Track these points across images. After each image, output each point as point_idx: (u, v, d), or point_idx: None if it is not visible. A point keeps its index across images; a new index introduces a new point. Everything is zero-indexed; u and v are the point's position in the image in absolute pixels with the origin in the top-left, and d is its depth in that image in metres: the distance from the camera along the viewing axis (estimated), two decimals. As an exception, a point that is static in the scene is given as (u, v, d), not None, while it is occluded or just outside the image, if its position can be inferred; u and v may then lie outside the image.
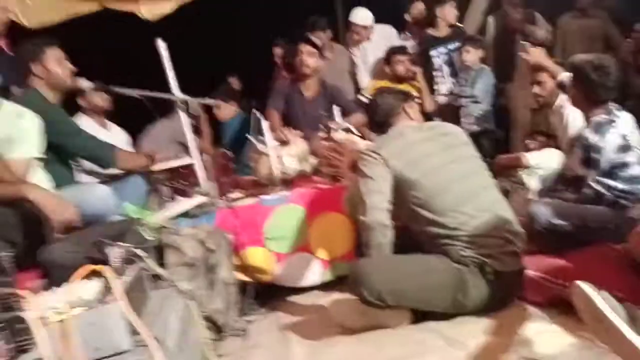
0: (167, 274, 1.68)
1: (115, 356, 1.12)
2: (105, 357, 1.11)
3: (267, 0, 4.97)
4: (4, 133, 1.99)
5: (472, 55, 3.87)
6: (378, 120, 2.19)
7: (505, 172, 2.83)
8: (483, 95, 3.81)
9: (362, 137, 2.78)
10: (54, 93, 2.52)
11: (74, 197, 1.98)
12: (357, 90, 4.21)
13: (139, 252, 1.53)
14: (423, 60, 4.09)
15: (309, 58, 3.31)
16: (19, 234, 1.74)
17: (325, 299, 2.10)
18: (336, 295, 2.04)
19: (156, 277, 1.63)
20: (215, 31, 5.10)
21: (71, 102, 2.99)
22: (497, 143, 3.83)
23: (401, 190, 1.94)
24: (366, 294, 1.77)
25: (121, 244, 1.47)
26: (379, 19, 4.28)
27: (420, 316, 1.85)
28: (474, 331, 1.73)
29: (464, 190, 1.91)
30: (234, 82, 4.67)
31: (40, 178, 2.12)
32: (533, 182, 2.76)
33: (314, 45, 3.34)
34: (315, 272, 2.37)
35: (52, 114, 2.34)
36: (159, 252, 1.85)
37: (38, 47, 2.48)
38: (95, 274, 1.41)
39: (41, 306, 1.05)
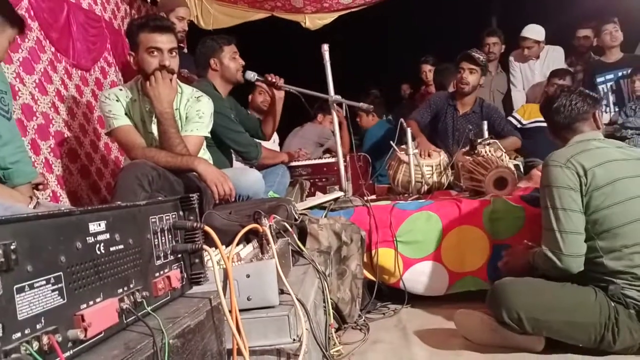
0: (307, 253, 1.79)
1: (264, 309, 1.22)
2: (255, 308, 1.22)
3: (419, 19, 5.03)
4: (183, 113, 2.29)
5: None
6: (559, 122, 1.90)
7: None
8: (653, 127, 3.48)
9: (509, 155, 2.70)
10: (225, 86, 2.86)
11: (231, 177, 2.21)
12: (508, 112, 4.10)
13: (287, 226, 1.65)
14: (587, 86, 3.85)
15: (469, 75, 3.32)
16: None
17: (450, 310, 2.07)
18: (463, 308, 1.99)
19: (296, 254, 1.75)
20: (366, 42, 5.29)
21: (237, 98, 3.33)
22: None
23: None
24: (505, 315, 1.70)
25: (275, 215, 1.61)
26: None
27: (554, 342, 1.73)
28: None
29: None
30: (378, 93, 4.80)
31: (205, 156, 2.40)
32: None
33: (476, 62, 3.32)
34: (442, 283, 2.35)
35: (219, 106, 2.63)
36: (298, 236, 1.98)
37: (217, 45, 2.83)
38: (248, 241, 1.59)
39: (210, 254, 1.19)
